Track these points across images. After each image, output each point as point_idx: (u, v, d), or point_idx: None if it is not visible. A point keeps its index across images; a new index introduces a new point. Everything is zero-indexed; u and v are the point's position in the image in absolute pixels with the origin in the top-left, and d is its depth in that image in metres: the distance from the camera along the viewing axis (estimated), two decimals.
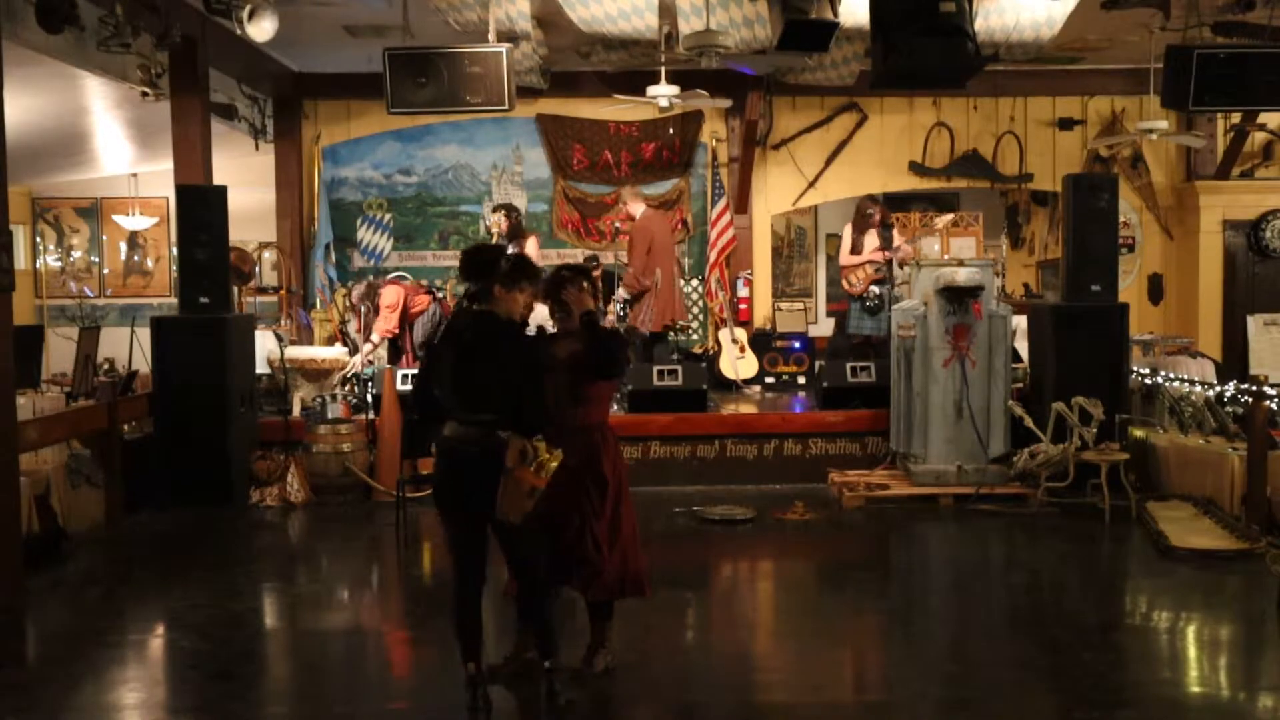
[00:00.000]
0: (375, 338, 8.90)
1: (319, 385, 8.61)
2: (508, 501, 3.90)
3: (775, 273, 12.19)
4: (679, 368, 8.70)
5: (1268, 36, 7.73)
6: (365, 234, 11.11)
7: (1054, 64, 10.30)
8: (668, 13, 7.79)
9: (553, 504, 4.12)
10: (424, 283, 10.21)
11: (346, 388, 8.77)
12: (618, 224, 10.73)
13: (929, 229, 9.96)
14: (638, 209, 9.50)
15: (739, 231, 10.89)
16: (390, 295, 9.04)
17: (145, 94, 7.38)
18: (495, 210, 9.35)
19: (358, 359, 8.87)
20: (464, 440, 4.03)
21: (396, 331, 9.00)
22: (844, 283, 9.64)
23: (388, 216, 11.09)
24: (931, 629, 5.33)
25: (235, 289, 9.15)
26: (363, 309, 9.26)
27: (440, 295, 9.67)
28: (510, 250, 8.54)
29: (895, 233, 9.67)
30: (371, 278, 9.89)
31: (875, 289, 9.37)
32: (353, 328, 9.48)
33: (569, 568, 4.28)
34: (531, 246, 9.04)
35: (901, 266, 9.18)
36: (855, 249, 9.51)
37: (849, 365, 8.77)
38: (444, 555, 6.86)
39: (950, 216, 10.17)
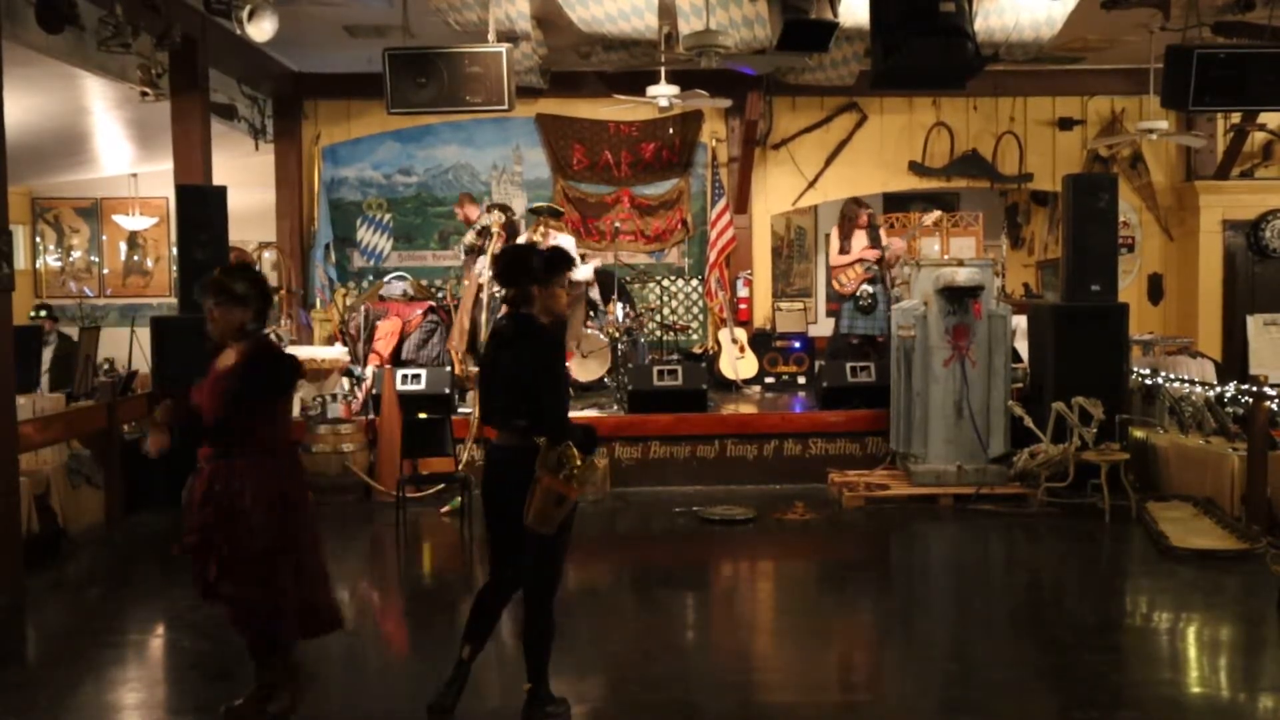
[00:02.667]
0: (370, 369, 9.03)
1: (319, 385, 8.60)
2: (534, 510, 3.83)
3: (775, 273, 12.19)
4: (679, 368, 8.70)
5: (1268, 36, 7.73)
6: (365, 234, 11.11)
7: (1054, 64, 10.31)
8: (668, 13, 7.79)
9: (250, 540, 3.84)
10: (424, 283, 10.23)
11: (346, 390, 8.81)
12: (617, 224, 10.76)
13: (922, 227, 9.97)
14: (474, 213, 9.67)
15: (739, 231, 10.89)
16: (385, 329, 9.17)
17: (145, 94, 7.38)
18: (491, 209, 9.32)
19: (360, 391, 8.98)
20: (503, 445, 4.02)
21: (389, 360, 9.12)
22: (834, 283, 9.70)
23: (388, 216, 11.09)
24: (931, 629, 5.33)
25: None
26: (360, 334, 9.37)
27: (440, 299, 9.72)
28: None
29: (883, 232, 9.72)
30: (369, 285, 9.91)
31: (867, 288, 9.40)
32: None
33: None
34: None
35: (891, 266, 9.24)
36: (843, 250, 9.56)
37: (849, 365, 8.78)
38: (444, 555, 6.88)
39: (937, 213, 10.18)
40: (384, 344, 9.19)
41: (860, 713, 4.29)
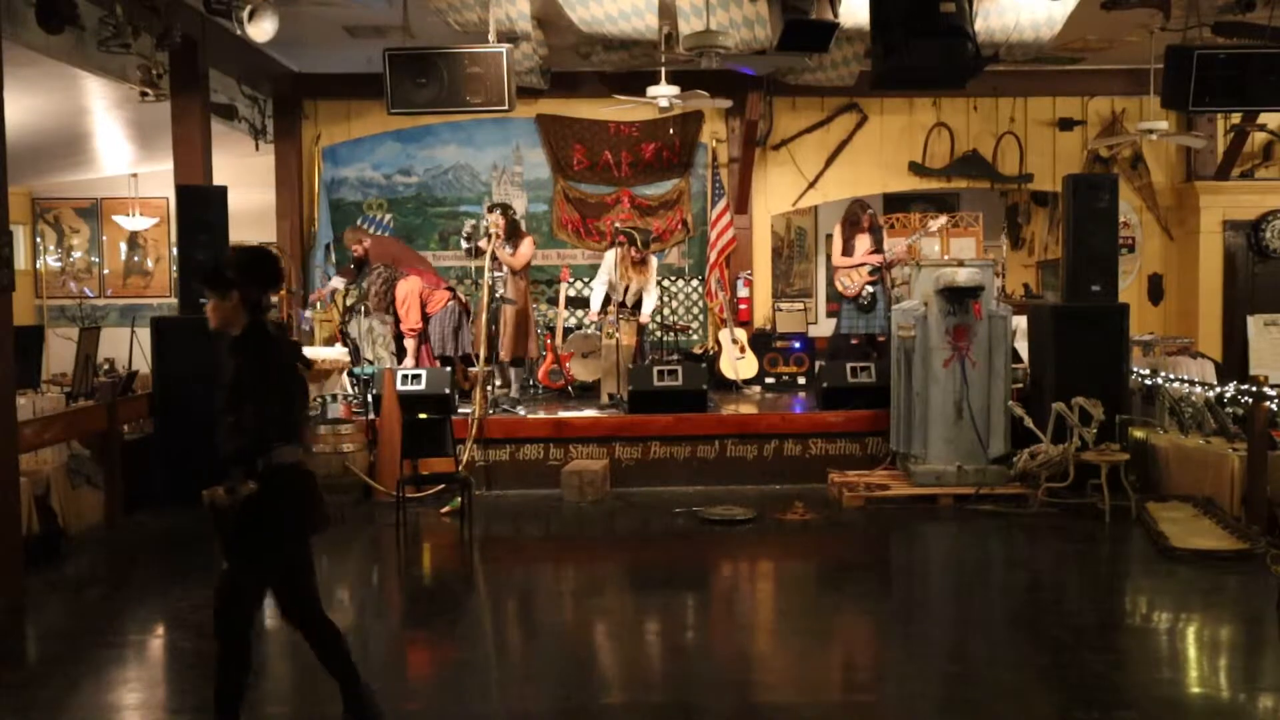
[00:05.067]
0: (408, 343, 9.16)
1: (319, 385, 8.61)
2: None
3: (775, 273, 12.19)
4: (679, 368, 8.70)
5: (1268, 36, 7.73)
6: None
7: (1054, 64, 10.30)
8: (668, 13, 7.79)
9: None
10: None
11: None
12: (617, 224, 10.75)
13: (926, 230, 9.95)
14: (367, 240, 9.73)
15: (739, 232, 10.89)
16: (401, 291, 9.11)
17: (145, 94, 7.39)
18: (492, 210, 9.28)
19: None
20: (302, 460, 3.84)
21: (421, 326, 9.10)
22: (837, 284, 9.69)
23: (388, 217, 11.09)
24: (931, 629, 5.33)
25: None
26: (384, 301, 9.39)
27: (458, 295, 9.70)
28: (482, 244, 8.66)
29: (886, 235, 9.72)
30: (384, 269, 9.90)
31: (869, 289, 9.42)
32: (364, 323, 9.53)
33: None
34: (527, 246, 9.06)
35: (891, 267, 9.25)
36: (847, 251, 9.57)
37: (849, 365, 8.78)
38: (444, 555, 6.88)
39: (944, 219, 10.17)
40: (407, 318, 9.13)
41: (860, 713, 4.29)
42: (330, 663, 3.88)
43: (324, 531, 3.87)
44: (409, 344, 9.23)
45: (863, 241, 9.53)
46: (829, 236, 13.27)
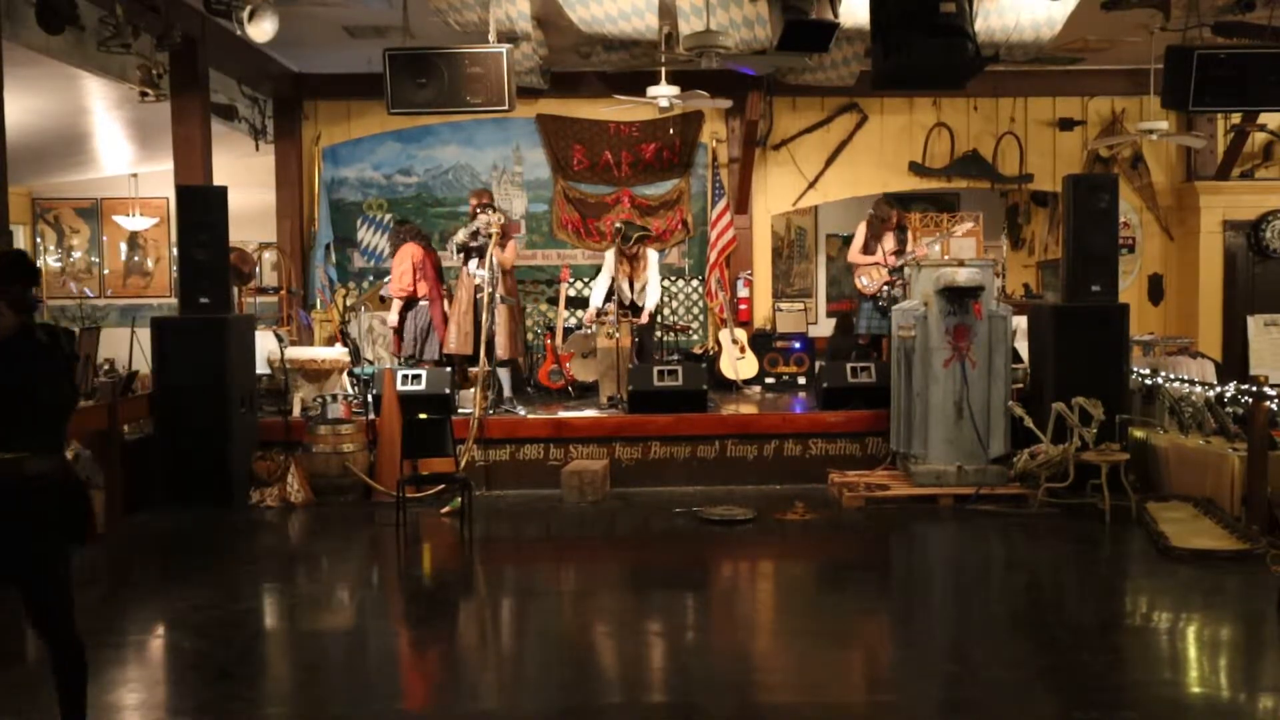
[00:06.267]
0: (394, 302, 9.10)
1: (319, 385, 8.61)
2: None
3: (775, 273, 12.19)
4: (679, 368, 8.70)
5: (1268, 36, 7.74)
6: (365, 234, 11.12)
7: (1054, 64, 10.31)
8: (668, 13, 7.79)
9: None
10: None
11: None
12: (618, 223, 10.75)
13: (952, 233, 9.91)
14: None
15: (739, 232, 10.89)
16: (402, 254, 9.09)
17: (145, 95, 7.39)
18: (485, 209, 9.17)
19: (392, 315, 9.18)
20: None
21: (412, 289, 9.03)
22: (857, 281, 9.65)
23: (388, 217, 11.09)
24: (931, 629, 5.32)
25: (235, 289, 9.15)
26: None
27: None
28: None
29: (910, 235, 9.66)
30: (369, 286, 9.88)
31: (887, 289, 9.39)
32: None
33: None
34: (513, 245, 9.06)
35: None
36: (868, 249, 9.51)
37: (849, 365, 8.78)
38: (444, 555, 6.88)
39: (971, 222, 10.14)
40: (396, 280, 9.03)
41: (861, 713, 4.29)
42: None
43: (81, 544, 3.86)
44: (396, 303, 9.11)
45: (888, 240, 9.47)
46: (829, 236, 13.31)
